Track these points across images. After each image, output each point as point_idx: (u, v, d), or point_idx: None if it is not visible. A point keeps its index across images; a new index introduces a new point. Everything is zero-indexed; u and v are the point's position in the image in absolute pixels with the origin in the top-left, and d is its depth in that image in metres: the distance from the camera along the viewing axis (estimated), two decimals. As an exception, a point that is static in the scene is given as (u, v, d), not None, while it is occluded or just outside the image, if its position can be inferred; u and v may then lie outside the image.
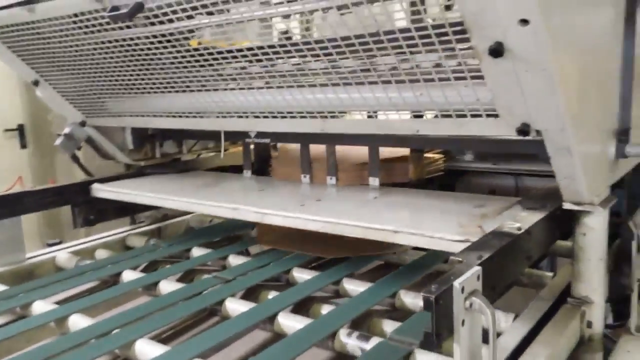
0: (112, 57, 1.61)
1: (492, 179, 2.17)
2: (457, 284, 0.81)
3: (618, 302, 1.41)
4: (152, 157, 2.24)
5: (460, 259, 0.91)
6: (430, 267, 1.57)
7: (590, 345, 1.25)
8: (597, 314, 1.24)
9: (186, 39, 1.46)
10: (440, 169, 2.01)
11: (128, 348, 1.18)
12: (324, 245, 1.63)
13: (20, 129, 3.89)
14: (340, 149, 1.75)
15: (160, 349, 1.14)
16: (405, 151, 1.79)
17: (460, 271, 0.85)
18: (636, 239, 1.28)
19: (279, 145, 2.17)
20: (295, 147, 1.83)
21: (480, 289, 0.86)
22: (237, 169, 2.17)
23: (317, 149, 1.80)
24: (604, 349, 1.27)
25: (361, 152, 1.70)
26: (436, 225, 1.27)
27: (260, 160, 2.14)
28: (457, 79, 1.06)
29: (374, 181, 1.64)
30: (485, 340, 0.87)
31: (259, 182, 1.97)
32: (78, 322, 1.31)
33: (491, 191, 2.11)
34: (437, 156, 2.00)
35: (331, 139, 1.70)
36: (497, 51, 0.89)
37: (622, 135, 1.29)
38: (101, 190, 1.94)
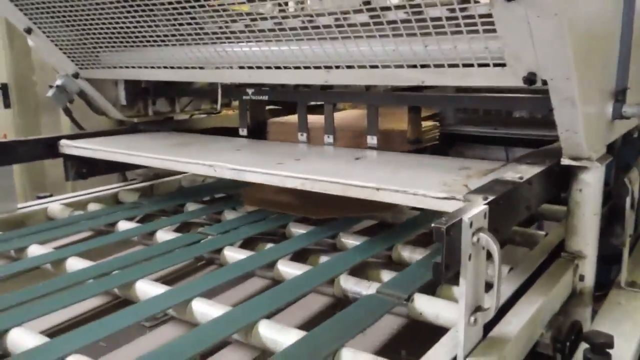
0: (110, 6, 1.58)
1: (484, 150, 2.19)
2: (466, 218, 0.83)
3: (603, 263, 1.44)
4: (145, 115, 2.22)
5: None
6: (425, 226, 1.59)
7: (581, 298, 1.28)
8: (589, 269, 1.28)
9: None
10: (435, 137, 2.01)
11: (128, 288, 1.18)
12: (313, 205, 1.64)
13: (4, 88, 3.80)
14: (338, 120, 1.72)
15: (161, 289, 1.14)
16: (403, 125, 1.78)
17: (468, 208, 0.87)
18: (630, 195, 1.31)
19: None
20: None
21: (486, 227, 0.88)
22: (231, 132, 2.14)
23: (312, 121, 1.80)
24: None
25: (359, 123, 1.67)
26: (420, 183, 1.24)
27: (256, 122, 2.13)
28: (467, 28, 1.07)
29: (372, 139, 1.64)
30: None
31: (248, 142, 1.94)
32: (75, 264, 1.31)
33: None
34: (431, 124, 2.00)
35: (331, 97, 1.70)
36: (511, -6, 0.90)
37: (620, 96, 1.32)
38: (69, 147, 1.88)
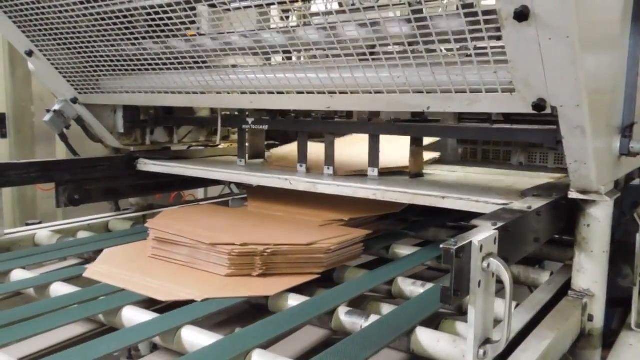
0: (111, 32, 1.57)
1: None
2: (476, 241, 0.78)
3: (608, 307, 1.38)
4: (142, 144, 2.19)
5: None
6: (423, 262, 1.54)
7: (590, 340, 1.22)
8: (598, 308, 1.22)
9: (187, 16, 1.43)
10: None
11: (114, 315, 1.12)
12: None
13: (1, 118, 3.78)
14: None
15: (149, 316, 1.08)
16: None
17: (478, 232, 0.83)
18: (640, 232, 1.27)
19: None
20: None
21: (496, 252, 0.83)
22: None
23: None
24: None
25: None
26: (479, 192, 1.34)
27: (255, 153, 2.09)
28: (476, 52, 1.05)
29: (373, 172, 1.61)
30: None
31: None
32: (60, 290, 1.24)
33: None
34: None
35: (332, 127, 1.68)
36: (522, 14, 0.88)
37: (627, 131, 1.29)
38: (148, 165, 2.00)
